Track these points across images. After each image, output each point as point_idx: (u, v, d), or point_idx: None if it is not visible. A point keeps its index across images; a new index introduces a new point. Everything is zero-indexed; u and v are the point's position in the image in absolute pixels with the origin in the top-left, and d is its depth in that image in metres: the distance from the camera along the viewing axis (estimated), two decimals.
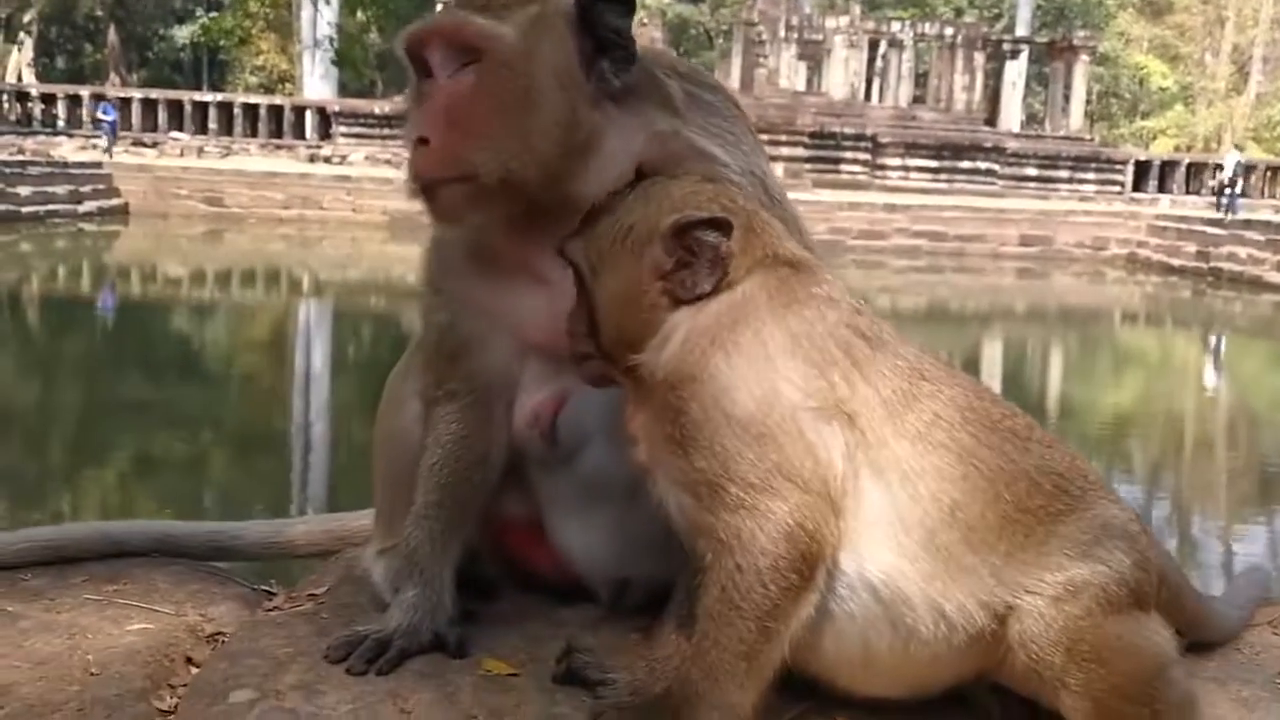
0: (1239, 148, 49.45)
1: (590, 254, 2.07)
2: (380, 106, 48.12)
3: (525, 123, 2.18)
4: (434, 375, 2.47)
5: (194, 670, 2.38)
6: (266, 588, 2.91)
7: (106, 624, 2.54)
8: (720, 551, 1.90)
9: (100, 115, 43.39)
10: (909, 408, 1.96)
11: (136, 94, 49.30)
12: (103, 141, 42.00)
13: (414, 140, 2.19)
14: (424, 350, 2.52)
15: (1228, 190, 41.10)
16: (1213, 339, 25.23)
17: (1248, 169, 47.91)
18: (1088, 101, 58.57)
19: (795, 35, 49.95)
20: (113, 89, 51.76)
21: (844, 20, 50.56)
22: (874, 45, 51.56)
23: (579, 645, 2.21)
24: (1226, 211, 39.25)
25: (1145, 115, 74.32)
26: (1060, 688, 1.92)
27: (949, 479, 1.93)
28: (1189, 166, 47.72)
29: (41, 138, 44.26)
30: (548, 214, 2.21)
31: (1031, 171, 46.39)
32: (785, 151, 42.21)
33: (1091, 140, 53.07)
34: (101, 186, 35.66)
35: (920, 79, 54.19)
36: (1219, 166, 44.79)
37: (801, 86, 51.05)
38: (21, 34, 62.44)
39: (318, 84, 52.72)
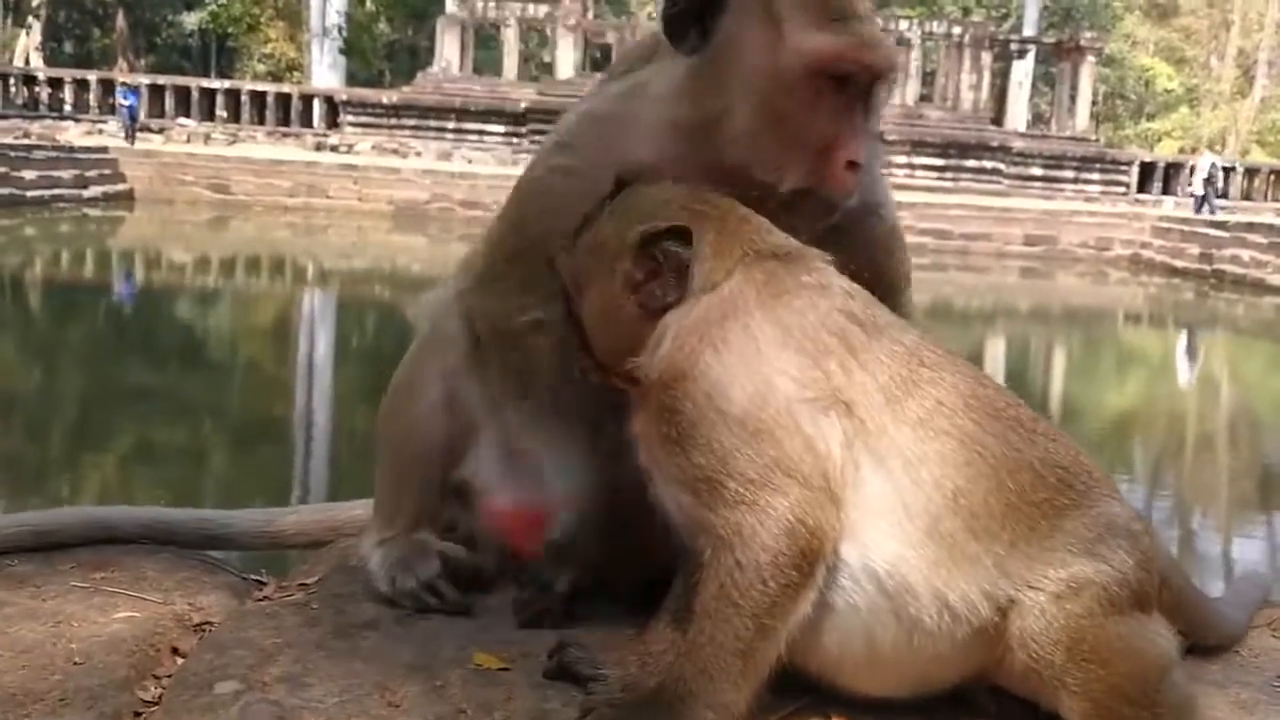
0: (1205, 149, 49.63)
1: (573, 270, 2.07)
2: (388, 96, 48.11)
3: None
4: (519, 279, 2.37)
5: (180, 660, 2.33)
6: (257, 577, 2.86)
7: (92, 612, 2.49)
8: (720, 548, 1.88)
9: (120, 100, 43.20)
10: (909, 394, 1.93)
11: (144, 80, 49.24)
12: (111, 126, 41.90)
13: (846, 162, 2.15)
14: (506, 251, 2.43)
15: (1201, 192, 41.41)
16: (1214, 340, 25.18)
17: (1240, 172, 48.17)
18: (1093, 102, 58.51)
19: None
20: (121, 75, 51.74)
21: None
22: None
23: (571, 640, 2.18)
24: (1199, 211, 39.65)
25: (1150, 117, 74.42)
26: (1059, 688, 1.89)
27: (952, 465, 1.90)
28: (1193, 169, 47.61)
29: (48, 122, 44.29)
30: None
31: (1037, 171, 46.39)
32: None
33: (1097, 141, 53.10)
34: (107, 172, 35.69)
35: (927, 78, 54.17)
36: (1192, 168, 44.93)
37: None
38: (30, 18, 62.48)
39: (326, 73, 52.81)
